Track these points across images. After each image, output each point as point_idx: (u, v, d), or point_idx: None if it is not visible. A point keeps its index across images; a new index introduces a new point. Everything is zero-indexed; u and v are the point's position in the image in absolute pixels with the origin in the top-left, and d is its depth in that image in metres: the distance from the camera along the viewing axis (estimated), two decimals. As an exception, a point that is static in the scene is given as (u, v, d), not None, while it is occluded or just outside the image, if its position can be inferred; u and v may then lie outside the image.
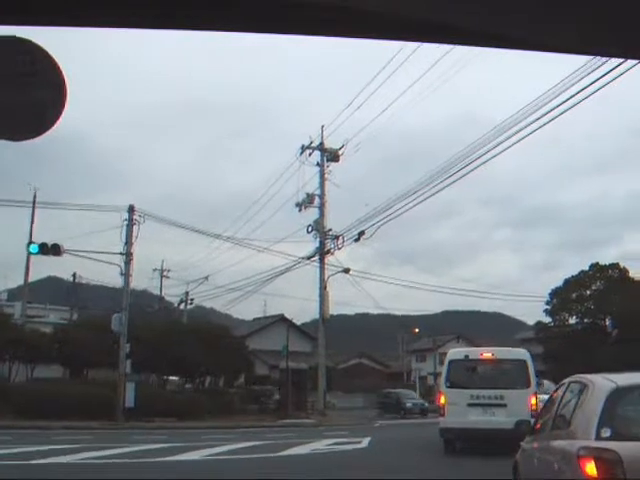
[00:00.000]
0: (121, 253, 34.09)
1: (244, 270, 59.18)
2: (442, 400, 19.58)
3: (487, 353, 20.09)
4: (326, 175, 46.04)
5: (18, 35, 1.94)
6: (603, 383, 7.03)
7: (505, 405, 18.56)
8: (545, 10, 1.55)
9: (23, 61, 1.96)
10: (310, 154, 46.11)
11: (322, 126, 45.72)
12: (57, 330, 41.19)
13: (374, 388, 67.36)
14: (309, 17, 1.65)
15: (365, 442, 23.88)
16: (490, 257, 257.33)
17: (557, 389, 9.42)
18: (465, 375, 19.82)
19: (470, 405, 18.88)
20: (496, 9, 1.55)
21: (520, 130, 23.59)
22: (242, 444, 22.42)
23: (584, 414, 6.94)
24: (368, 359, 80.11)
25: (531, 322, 79.48)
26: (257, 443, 23.04)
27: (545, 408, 9.76)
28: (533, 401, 18.39)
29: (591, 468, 6.24)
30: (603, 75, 18.38)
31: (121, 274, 34.40)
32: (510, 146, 24.67)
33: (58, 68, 2.02)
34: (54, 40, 2.46)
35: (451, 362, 19.84)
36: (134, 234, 34.43)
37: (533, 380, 19.04)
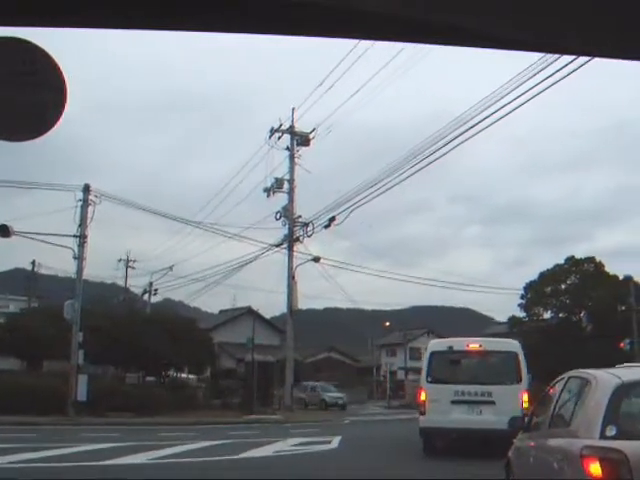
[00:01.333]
0: (74, 235, 31.74)
1: (211, 260, 57.07)
2: (422, 397, 17.64)
3: (474, 344, 18.16)
4: (296, 160, 44.09)
5: (18, 35, 1.91)
6: (607, 379, 6.67)
7: (493, 402, 16.78)
8: (545, 11, 1.53)
9: (23, 61, 1.95)
10: (279, 137, 44.09)
11: (293, 108, 43.72)
12: (9, 319, 38.90)
13: (343, 383, 65.92)
14: (309, 17, 1.63)
15: (335, 442, 21.72)
16: (461, 253, 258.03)
17: (554, 385, 8.81)
18: (449, 368, 17.98)
19: (454, 402, 17.05)
20: (497, 10, 1.54)
21: (479, 122, 23.26)
22: (199, 444, 20.28)
23: (587, 412, 6.57)
24: (337, 353, 78.50)
25: (499, 318, 79.52)
26: (216, 443, 20.87)
27: (540, 404, 9.32)
28: (525, 398, 16.60)
29: (595, 468, 5.93)
30: (559, 69, 18.17)
31: (74, 258, 32.07)
32: (472, 136, 24.20)
33: (58, 68, 2.01)
34: (54, 40, 2.52)
35: (433, 354, 17.94)
36: (89, 215, 32.27)
37: (525, 375, 17.23)
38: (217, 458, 17.06)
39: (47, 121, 2.07)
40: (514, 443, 9.58)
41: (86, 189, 32.11)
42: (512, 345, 18.21)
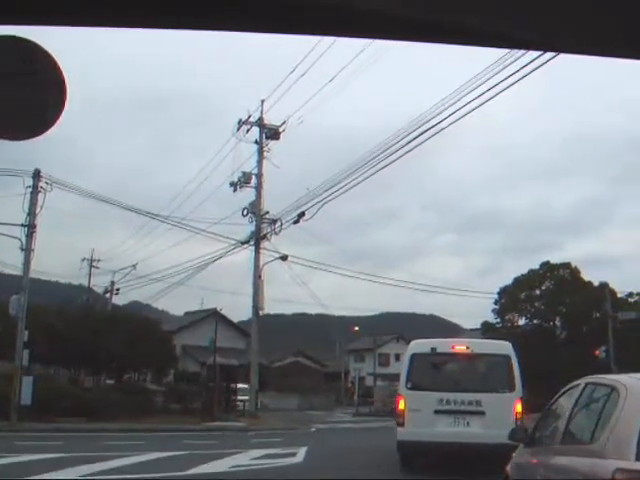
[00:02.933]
0: (22, 225, 29.32)
1: (178, 260, 55.05)
2: (401, 405, 15.45)
3: (461, 345, 16.14)
4: (265, 154, 42.02)
5: (18, 35, 1.90)
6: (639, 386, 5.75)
7: (483, 413, 14.79)
8: (547, 10, 1.53)
9: (23, 60, 1.94)
10: (248, 130, 41.99)
11: (262, 100, 41.63)
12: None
13: (310, 388, 64.20)
14: (309, 17, 1.63)
15: (301, 454, 19.46)
16: (432, 260, 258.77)
17: (563, 393, 7.79)
18: (432, 373, 15.85)
19: (438, 412, 14.96)
20: (497, 9, 1.54)
21: (442, 121, 23.18)
22: (147, 455, 17.93)
23: (617, 427, 5.46)
24: (305, 358, 76.53)
25: (467, 325, 78.99)
26: (166, 454, 18.52)
27: (547, 415, 8.16)
28: (519, 408, 14.67)
29: None
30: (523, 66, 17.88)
31: (21, 249, 29.61)
32: (434, 134, 24.11)
33: (58, 68, 2.01)
34: (54, 40, 2.53)
35: (414, 356, 15.72)
36: (39, 203, 29.86)
37: (518, 381, 15.21)
38: (160, 475, 14.66)
39: (47, 120, 2.05)
40: (513, 459, 8.57)
41: (36, 175, 29.74)
42: (504, 347, 16.18)
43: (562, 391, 8.03)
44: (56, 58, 2.00)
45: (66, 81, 2.02)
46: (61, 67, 2.01)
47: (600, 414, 6.07)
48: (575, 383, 7.45)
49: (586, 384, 6.98)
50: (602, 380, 6.70)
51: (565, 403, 7.39)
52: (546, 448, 7.32)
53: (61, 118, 2.07)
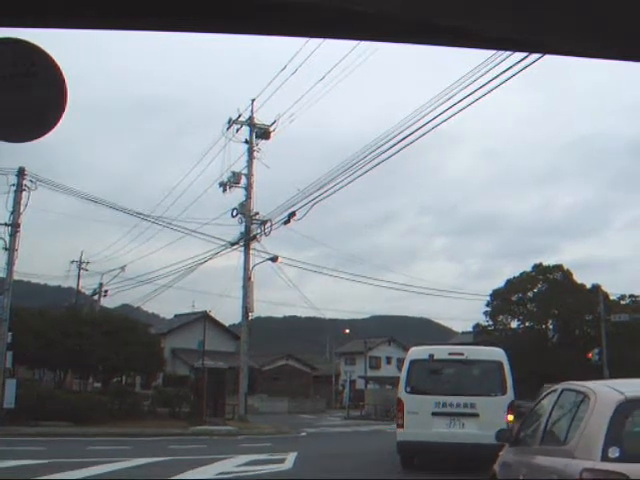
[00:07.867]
0: (6, 224, 28.70)
1: (167, 262, 54.61)
2: (401, 408, 16.39)
3: (456, 352, 17.06)
4: (256, 154, 41.46)
5: (17, 36, 1.89)
6: (608, 394, 6.14)
7: (477, 415, 15.67)
8: (546, 13, 1.52)
9: (23, 62, 1.93)
10: (238, 130, 41.44)
11: (252, 100, 41.12)
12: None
13: (300, 391, 63.73)
14: (309, 19, 1.62)
15: (290, 460, 18.74)
16: (426, 264, 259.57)
17: (543, 397, 8.35)
18: (429, 378, 16.91)
19: (435, 415, 15.83)
20: (497, 11, 1.52)
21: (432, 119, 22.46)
22: (129, 462, 17.22)
23: (587, 430, 5.92)
24: (294, 361, 75.92)
25: (458, 329, 79.13)
26: (149, 460, 17.87)
27: (529, 417, 8.64)
28: (510, 411, 15.56)
29: None
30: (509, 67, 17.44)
31: (5, 249, 29.00)
32: (424, 134, 23.43)
33: (58, 69, 1.99)
34: (54, 40, 2.62)
35: (412, 362, 16.74)
36: (23, 202, 29.36)
37: (510, 385, 16.11)
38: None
39: (47, 122, 2.03)
40: (500, 456, 9.05)
41: (20, 173, 29.14)
42: (497, 354, 17.06)
43: (544, 394, 8.45)
44: (56, 59, 1.97)
45: (66, 82, 1.99)
46: (61, 69, 1.99)
47: (573, 418, 6.53)
48: (553, 388, 7.93)
49: (562, 389, 7.45)
50: (575, 386, 7.03)
51: (545, 406, 7.82)
52: (528, 448, 7.75)
53: (62, 120, 2.04)
